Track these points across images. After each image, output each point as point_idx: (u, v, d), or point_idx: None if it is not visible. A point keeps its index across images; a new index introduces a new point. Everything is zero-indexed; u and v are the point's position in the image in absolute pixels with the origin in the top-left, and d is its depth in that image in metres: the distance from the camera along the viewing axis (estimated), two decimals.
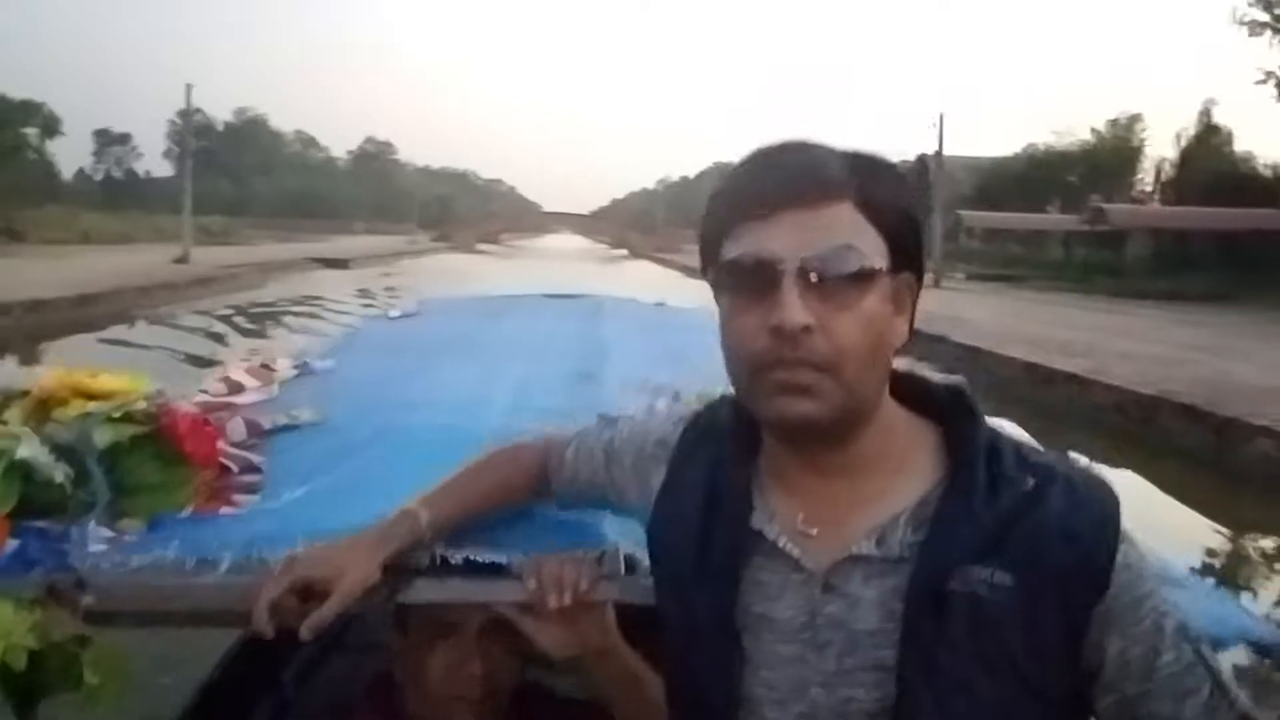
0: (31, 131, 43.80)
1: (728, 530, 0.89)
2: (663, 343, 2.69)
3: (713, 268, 0.86)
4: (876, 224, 0.82)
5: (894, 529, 0.83)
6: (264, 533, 1.13)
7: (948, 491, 0.83)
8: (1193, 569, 1.38)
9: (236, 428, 1.50)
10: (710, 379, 1.47)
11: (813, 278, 0.79)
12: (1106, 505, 0.82)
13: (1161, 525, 4.99)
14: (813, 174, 0.81)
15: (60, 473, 1.16)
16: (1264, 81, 26.41)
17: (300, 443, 1.55)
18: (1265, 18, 25.71)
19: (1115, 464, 6.81)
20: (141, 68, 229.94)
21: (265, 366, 2.05)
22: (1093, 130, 39.32)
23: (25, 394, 1.29)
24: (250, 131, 78.36)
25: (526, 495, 1.14)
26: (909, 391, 0.91)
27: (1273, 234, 25.26)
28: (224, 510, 1.26)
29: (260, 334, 14.77)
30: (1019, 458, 0.84)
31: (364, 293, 20.78)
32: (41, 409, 1.27)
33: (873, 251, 0.81)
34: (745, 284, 0.82)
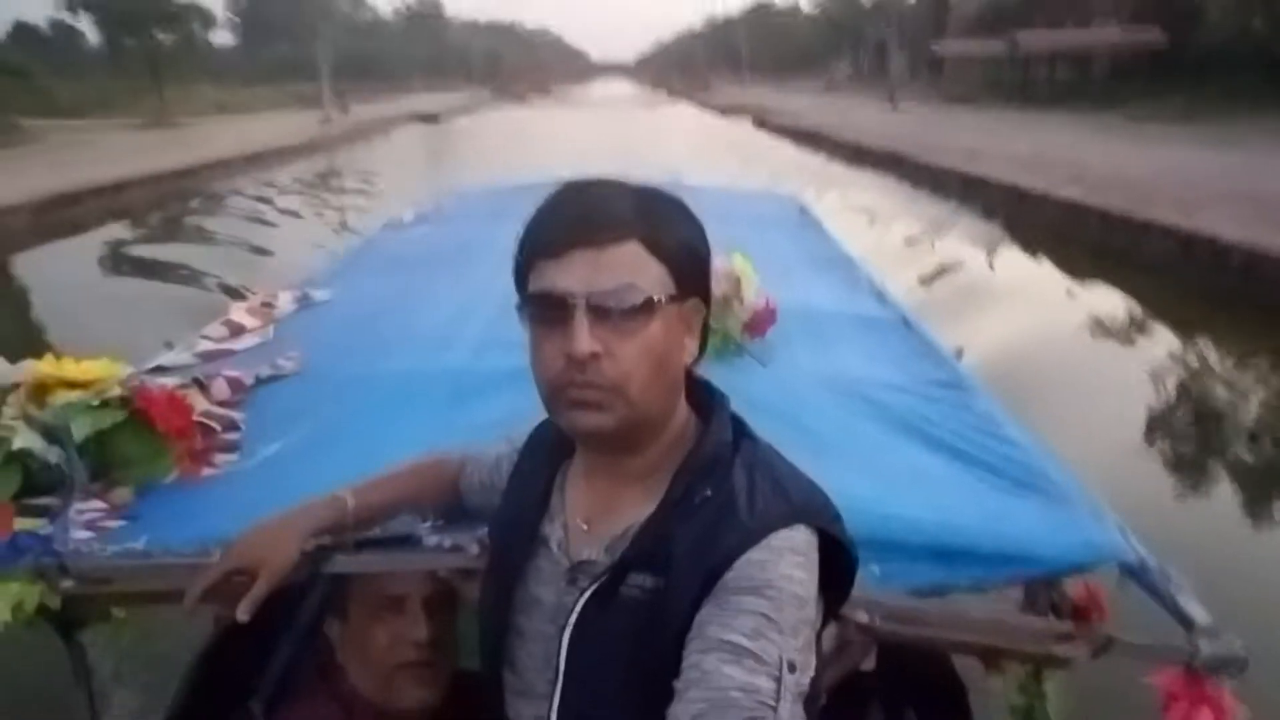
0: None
1: (518, 530, 1.05)
2: None
3: (521, 299, 0.94)
4: (662, 259, 0.91)
5: (624, 539, 0.95)
6: (236, 502, 1.29)
7: (659, 506, 0.93)
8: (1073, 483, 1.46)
9: (220, 388, 1.66)
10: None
11: (600, 311, 0.88)
12: (754, 528, 0.88)
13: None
14: (601, 217, 0.90)
15: (54, 455, 1.30)
16: None
17: (280, 395, 1.73)
18: None
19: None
20: None
21: (266, 304, 2.30)
22: None
23: (17, 386, 1.41)
24: None
25: (439, 501, 1.26)
26: (700, 397, 1.00)
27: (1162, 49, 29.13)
28: (205, 471, 1.44)
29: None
30: (719, 469, 0.93)
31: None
32: (33, 397, 1.40)
33: (656, 285, 0.90)
34: (544, 315, 0.91)
